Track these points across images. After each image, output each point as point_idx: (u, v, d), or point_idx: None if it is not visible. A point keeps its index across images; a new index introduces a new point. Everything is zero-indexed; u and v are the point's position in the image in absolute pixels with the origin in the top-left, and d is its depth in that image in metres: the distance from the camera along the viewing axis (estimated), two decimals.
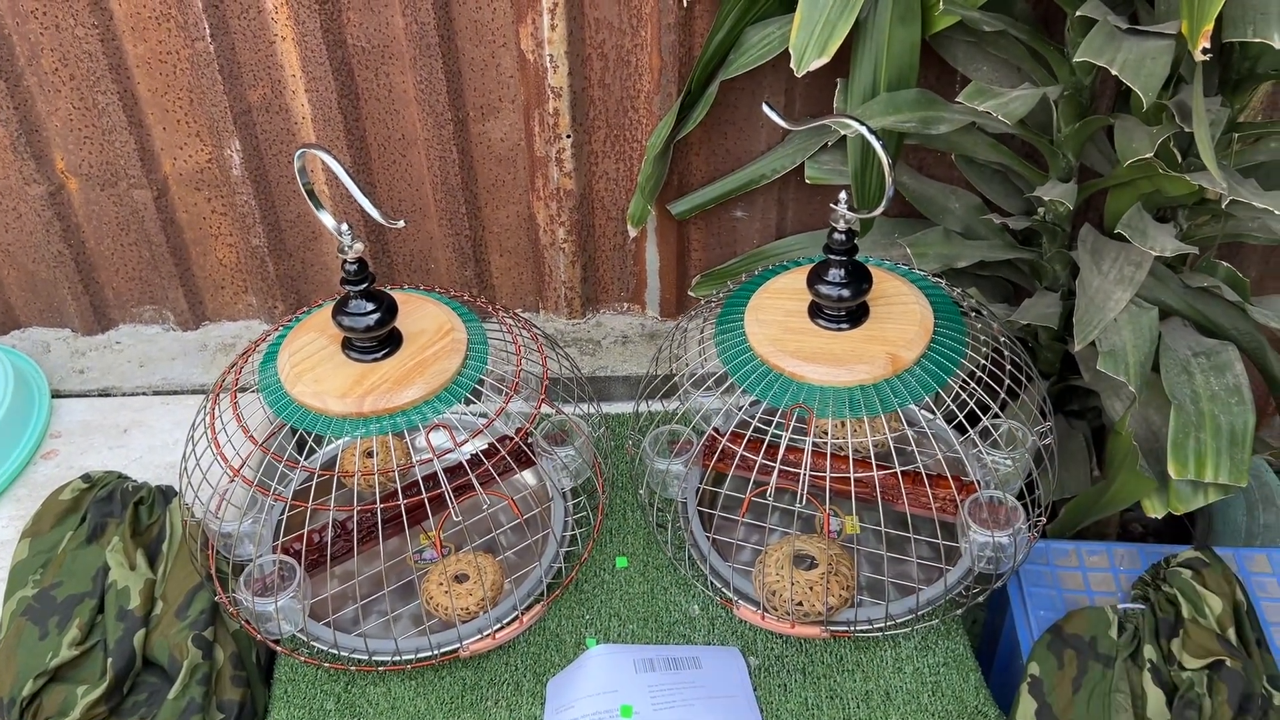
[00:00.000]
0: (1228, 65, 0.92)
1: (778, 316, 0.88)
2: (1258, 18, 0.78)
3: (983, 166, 1.11)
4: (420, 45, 1.10)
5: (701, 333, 0.95)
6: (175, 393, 1.28)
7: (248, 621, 0.90)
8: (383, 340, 0.87)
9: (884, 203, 0.81)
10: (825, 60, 0.92)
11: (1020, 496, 0.94)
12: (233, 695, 0.90)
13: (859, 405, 0.83)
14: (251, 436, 0.87)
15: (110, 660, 0.89)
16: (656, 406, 1.01)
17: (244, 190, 1.21)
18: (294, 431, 0.88)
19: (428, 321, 0.90)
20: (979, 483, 0.94)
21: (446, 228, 1.25)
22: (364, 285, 0.83)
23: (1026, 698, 0.88)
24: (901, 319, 0.87)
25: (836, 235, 0.83)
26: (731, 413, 1.03)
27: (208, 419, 0.90)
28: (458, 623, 0.91)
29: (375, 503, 0.94)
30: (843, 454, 0.98)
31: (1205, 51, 0.73)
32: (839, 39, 0.91)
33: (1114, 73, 0.79)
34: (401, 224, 0.83)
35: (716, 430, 0.99)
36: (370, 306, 0.84)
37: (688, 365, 0.98)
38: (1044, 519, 0.94)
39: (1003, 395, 0.88)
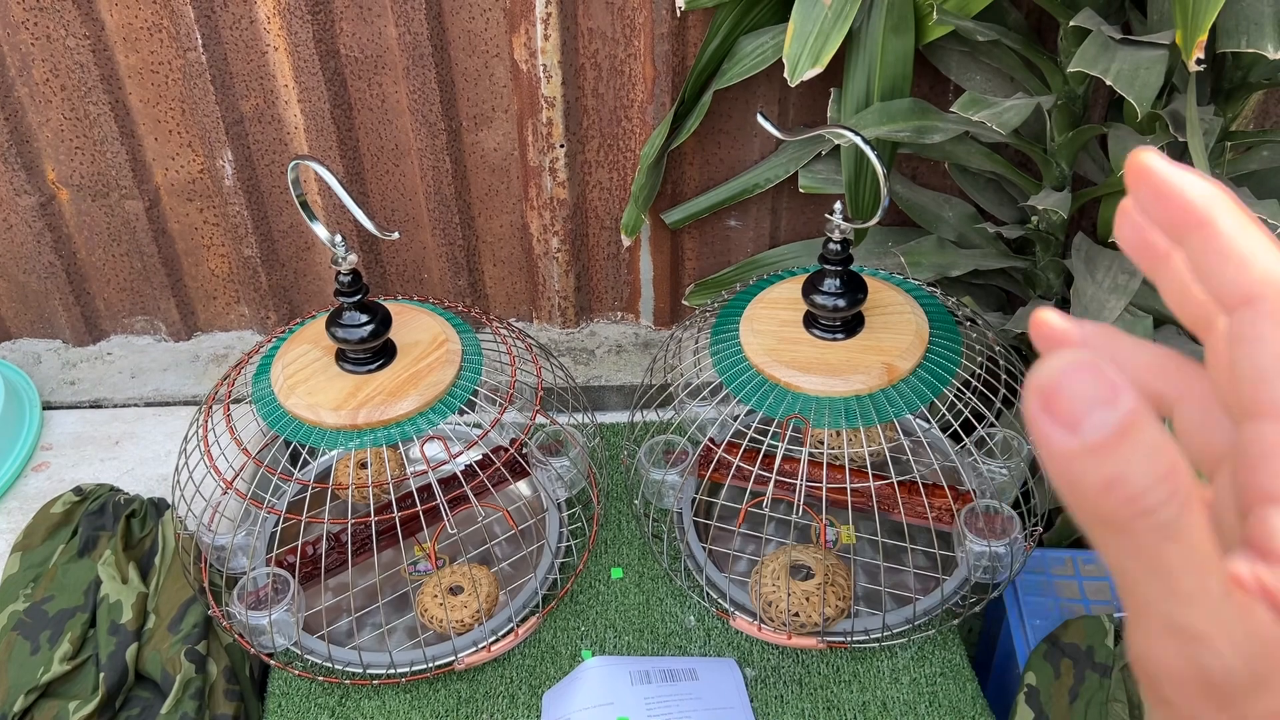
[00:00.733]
0: (1220, 75, 0.93)
1: (773, 326, 0.88)
2: (1251, 28, 0.78)
3: (976, 175, 1.11)
4: (413, 55, 1.10)
5: (696, 342, 0.95)
6: (167, 404, 1.27)
7: (241, 635, 0.89)
8: (377, 352, 0.86)
9: (879, 212, 0.81)
10: (819, 70, 0.92)
11: (1016, 506, 0.94)
12: (226, 709, 0.89)
13: (855, 415, 0.82)
14: (245, 448, 0.86)
15: (102, 675, 0.88)
16: (651, 416, 1.01)
17: (236, 201, 1.20)
18: (287, 443, 0.87)
19: (422, 333, 0.90)
20: (975, 492, 0.94)
21: (440, 238, 1.24)
22: (358, 297, 0.83)
23: (1023, 707, 0.88)
24: (897, 328, 0.87)
25: (831, 245, 0.83)
26: (727, 423, 1.03)
27: (200, 431, 0.89)
28: (452, 635, 0.91)
29: (369, 515, 0.94)
30: (839, 464, 0.98)
31: (1199, 62, 0.73)
32: (833, 48, 0.92)
33: (1108, 83, 0.79)
34: (396, 236, 0.82)
35: (712, 440, 0.99)
36: (364, 318, 0.84)
37: (682, 375, 0.98)
38: (1040, 528, 0.94)
39: (998, 404, 0.88)
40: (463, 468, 0.94)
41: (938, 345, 0.87)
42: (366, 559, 0.96)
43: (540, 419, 0.96)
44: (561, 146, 1.16)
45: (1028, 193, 1.03)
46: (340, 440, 0.83)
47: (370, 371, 0.86)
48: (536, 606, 0.95)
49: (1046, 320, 0.23)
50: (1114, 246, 0.95)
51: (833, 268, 0.84)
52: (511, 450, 0.98)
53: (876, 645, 0.92)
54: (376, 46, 1.11)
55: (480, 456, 0.98)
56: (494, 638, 0.91)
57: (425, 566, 0.99)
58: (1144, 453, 0.20)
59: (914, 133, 0.95)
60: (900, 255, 1.05)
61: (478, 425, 0.89)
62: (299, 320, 0.94)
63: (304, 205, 0.83)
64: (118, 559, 0.96)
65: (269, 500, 0.89)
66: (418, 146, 1.17)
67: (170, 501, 1.02)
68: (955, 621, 0.93)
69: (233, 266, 1.29)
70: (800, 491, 0.86)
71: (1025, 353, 1.14)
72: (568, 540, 1.01)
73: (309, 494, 0.94)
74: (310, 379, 0.86)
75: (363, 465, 1.00)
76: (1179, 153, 0.92)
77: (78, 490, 1.03)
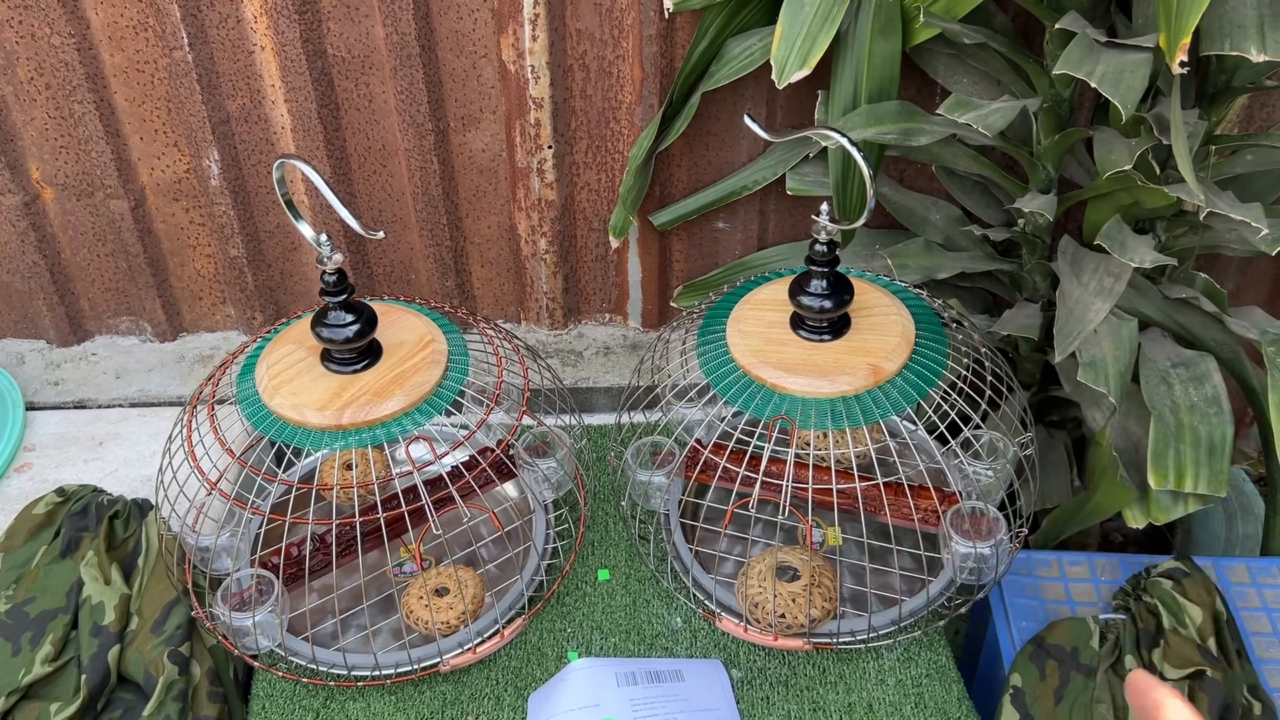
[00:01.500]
0: (1205, 78, 0.93)
1: (759, 328, 0.88)
2: (1234, 31, 0.78)
3: (963, 178, 1.12)
4: (401, 55, 1.09)
5: (684, 344, 0.95)
6: (152, 405, 1.27)
7: (225, 636, 0.89)
8: (362, 352, 0.86)
9: (865, 214, 0.81)
10: (807, 72, 0.92)
11: (1002, 507, 0.94)
12: (209, 711, 0.88)
13: (841, 416, 0.83)
14: (229, 449, 0.86)
15: (84, 677, 0.87)
16: (639, 418, 1.01)
17: (222, 200, 1.20)
18: (272, 444, 0.87)
19: (408, 333, 0.89)
20: (961, 494, 0.94)
21: (427, 238, 1.24)
22: (343, 296, 0.83)
23: (1009, 709, 0.88)
24: (883, 330, 0.87)
25: (818, 246, 0.83)
26: (714, 424, 1.03)
27: (185, 431, 0.89)
28: (438, 637, 0.90)
29: (354, 516, 0.93)
30: (825, 465, 0.98)
31: (1183, 64, 0.73)
32: (820, 51, 0.92)
33: (1093, 85, 0.79)
34: (381, 235, 0.82)
35: (699, 442, 0.99)
36: (350, 318, 0.83)
37: (670, 377, 0.98)
38: (1025, 530, 0.94)
39: (984, 406, 0.88)
40: (449, 469, 0.94)
41: (924, 347, 0.87)
42: (351, 560, 0.96)
43: (527, 420, 0.95)
44: (549, 148, 1.16)
45: (1014, 195, 1.04)
46: (325, 441, 0.83)
47: (356, 372, 0.86)
48: (523, 608, 0.94)
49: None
50: (1099, 249, 0.95)
51: (819, 269, 0.84)
52: (498, 451, 0.97)
53: (862, 646, 0.92)
54: (364, 46, 1.10)
55: (467, 458, 0.98)
56: (480, 639, 0.91)
57: (411, 568, 0.98)
58: None
59: (901, 135, 0.95)
60: (887, 257, 1.05)
61: (464, 426, 0.89)
62: (284, 320, 0.94)
63: (289, 205, 0.83)
64: (100, 560, 0.96)
65: (253, 501, 0.89)
66: (405, 147, 1.17)
67: (154, 502, 1.01)
68: (941, 623, 0.94)
69: (218, 267, 1.28)
70: (786, 493, 0.86)
71: (1011, 355, 1.15)
72: (554, 542, 1.00)
73: (294, 495, 0.94)
74: (295, 379, 0.85)
75: (348, 466, 1.00)
76: (1164, 155, 0.92)
77: (60, 491, 1.03)
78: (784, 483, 0.86)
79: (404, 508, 0.86)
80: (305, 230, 0.82)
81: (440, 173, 1.18)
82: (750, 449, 0.89)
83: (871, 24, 0.95)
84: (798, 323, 0.88)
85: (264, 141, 1.17)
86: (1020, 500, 0.95)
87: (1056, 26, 0.88)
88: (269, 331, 0.93)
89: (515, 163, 1.19)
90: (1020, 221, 1.04)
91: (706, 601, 0.95)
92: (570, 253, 1.27)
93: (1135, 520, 0.90)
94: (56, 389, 1.29)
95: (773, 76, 0.93)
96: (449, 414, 0.87)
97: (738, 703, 0.90)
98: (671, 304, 1.31)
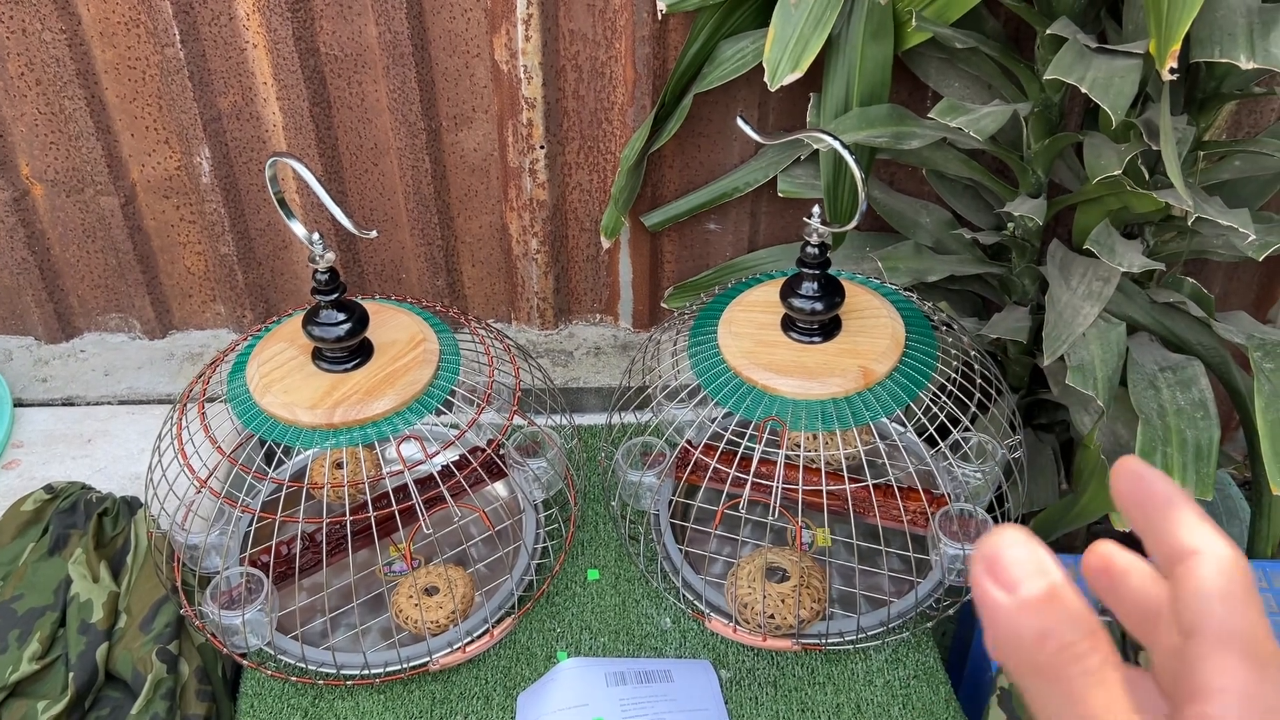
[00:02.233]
0: (1194, 85, 0.94)
1: (750, 329, 0.89)
2: (1224, 38, 0.79)
3: (953, 182, 1.12)
4: (393, 54, 1.09)
5: (675, 345, 0.95)
6: (141, 402, 1.26)
7: (214, 635, 0.89)
8: (354, 351, 0.86)
9: (857, 217, 0.81)
10: (799, 75, 0.92)
11: (990, 509, 0.95)
12: (198, 710, 0.88)
13: (831, 418, 0.83)
14: (219, 447, 0.86)
15: (72, 675, 0.87)
16: (629, 418, 1.01)
17: (213, 198, 1.19)
18: (262, 442, 0.87)
19: (399, 332, 0.89)
20: (950, 496, 0.95)
21: (418, 238, 1.24)
22: (335, 295, 0.83)
23: (996, 710, 0.88)
24: (873, 332, 0.87)
25: (809, 249, 0.83)
26: (704, 425, 1.03)
27: (175, 429, 0.88)
28: (427, 636, 0.90)
29: (345, 515, 0.93)
30: (815, 466, 0.99)
31: (1173, 71, 0.74)
32: (812, 54, 0.92)
33: (1084, 90, 0.80)
34: (373, 234, 0.82)
35: (689, 442, 0.99)
36: (341, 316, 0.83)
37: (660, 377, 0.98)
38: None
39: (973, 408, 0.88)
40: (439, 468, 0.94)
41: (914, 350, 0.87)
42: (341, 559, 0.96)
43: (518, 420, 0.95)
44: (541, 148, 1.16)
45: (1004, 199, 1.04)
46: (316, 439, 0.83)
47: (347, 370, 0.86)
48: (512, 608, 0.94)
49: (1107, 553, 0.30)
50: (1088, 254, 0.96)
51: (811, 271, 0.84)
52: (489, 451, 0.97)
53: (851, 647, 0.92)
54: (356, 45, 1.10)
55: (457, 457, 0.98)
56: (469, 639, 0.91)
57: (400, 567, 0.98)
58: (1070, 614, 0.26)
59: (892, 138, 0.96)
60: (877, 260, 1.05)
61: (455, 426, 0.89)
62: (275, 319, 0.94)
63: (281, 203, 0.83)
64: (89, 558, 0.95)
65: (243, 499, 0.89)
66: (397, 146, 1.17)
67: (143, 500, 1.01)
68: (929, 624, 0.94)
69: (209, 264, 1.28)
70: (776, 494, 0.87)
71: (1000, 358, 1.15)
72: (544, 541, 1.01)
73: (284, 493, 0.94)
74: (286, 377, 0.85)
75: (338, 465, 1.00)
76: (1153, 161, 0.93)
77: (49, 488, 1.02)
78: (774, 484, 0.86)
79: (394, 507, 0.86)
80: (298, 229, 0.82)
81: (432, 172, 1.18)
82: (741, 450, 0.89)
83: (864, 27, 0.95)
84: (789, 324, 0.88)
85: (255, 139, 1.17)
86: (1008, 502, 0.95)
87: (1048, 32, 0.89)
88: (260, 329, 0.93)
89: (507, 162, 1.19)
90: (1010, 225, 1.05)
91: (696, 602, 0.95)
92: (561, 253, 1.28)
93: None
94: (45, 386, 1.28)
95: (765, 79, 0.93)
96: (440, 413, 0.87)
97: (726, 703, 0.90)
98: (662, 305, 1.31)
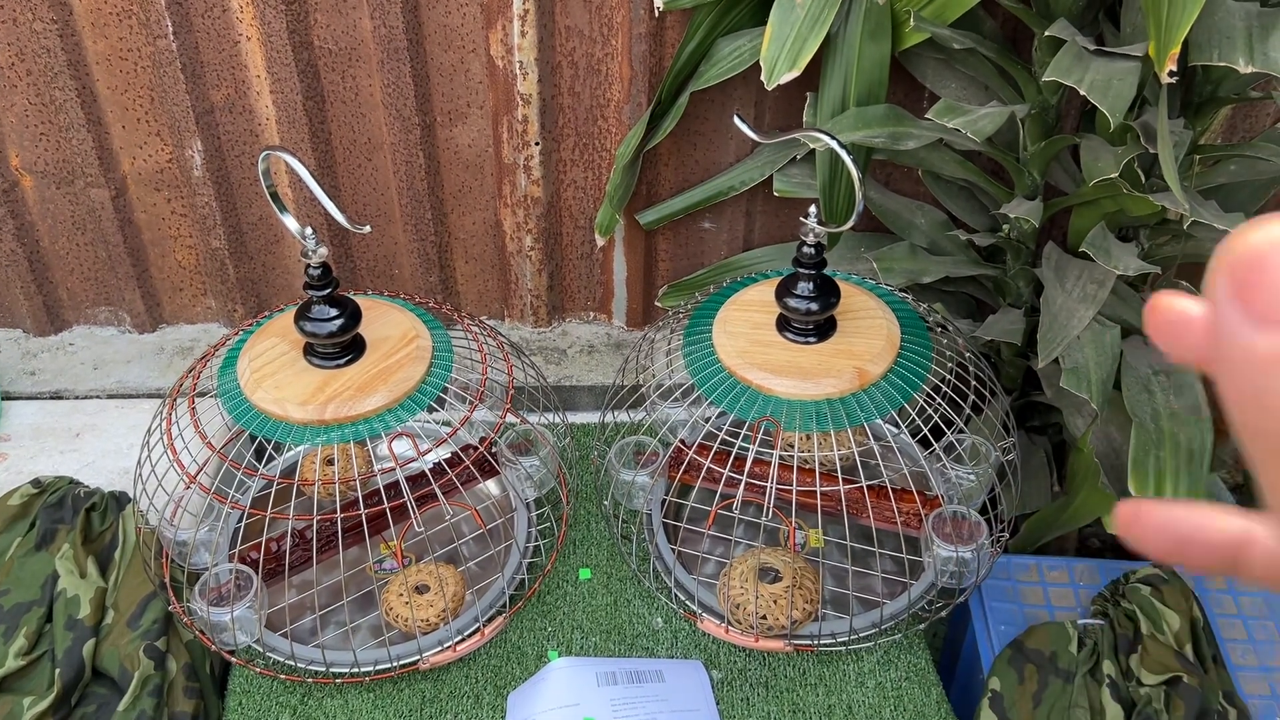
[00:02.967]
0: (1190, 88, 0.94)
1: (745, 329, 0.88)
2: (1223, 42, 0.79)
3: (949, 183, 1.12)
4: (388, 48, 1.09)
5: (669, 344, 0.95)
6: (130, 396, 1.25)
7: (202, 631, 0.88)
8: (346, 346, 0.85)
9: (853, 217, 0.81)
10: (796, 74, 0.92)
11: (983, 511, 0.95)
12: (185, 707, 0.88)
13: (825, 419, 0.83)
14: (209, 442, 0.85)
15: (58, 671, 0.86)
16: (623, 417, 1.00)
17: (205, 191, 1.19)
18: (253, 438, 0.86)
19: (392, 328, 0.89)
20: (943, 497, 0.94)
21: (412, 233, 1.23)
22: (327, 290, 0.82)
23: (987, 712, 0.88)
24: (868, 333, 0.87)
25: (805, 249, 0.83)
26: (698, 424, 1.03)
27: (164, 424, 0.88)
28: (418, 634, 0.90)
29: (335, 511, 0.93)
30: (808, 467, 0.98)
31: (1172, 74, 0.74)
32: (810, 53, 0.92)
33: (1082, 92, 0.80)
34: (367, 229, 0.81)
35: (683, 442, 0.98)
36: (334, 312, 0.83)
37: (654, 376, 0.97)
38: (1006, 534, 0.95)
39: (967, 410, 0.88)
40: (431, 465, 0.93)
41: (908, 351, 0.87)
42: (331, 556, 0.95)
43: (510, 418, 0.95)
44: (536, 144, 1.16)
45: (1000, 201, 1.04)
46: (307, 436, 0.82)
47: (339, 366, 0.85)
48: (503, 606, 0.94)
49: (1170, 305, 0.20)
50: (1084, 256, 0.95)
51: (806, 271, 0.84)
52: (481, 449, 0.97)
53: (843, 649, 0.92)
54: (351, 39, 1.10)
55: (449, 454, 0.97)
56: (460, 637, 0.90)
57: (391, 565, 0.98)
58: None
59: (889, 138, 0.95)
60: (873, 260, 1.05)
61: (447, 423, 0.88)
62: (267, 314, 0.93)
63: (274, 197, 0.82)
64: (76, 553, 0.95)
65: (233, 495, 0.88)
66: (391, 141, 1.16)
67: (132, 495, 1.00)
68: (921, 626, 0.94)
69: (200, 258, 1.27)
70: (770, 494, 0.86)
71: (994, 360, 1.15)
72: (536, 540, 1.00)
73: (274, 490, 0.93)
74: (277, 373, 0.85)
75: (329, 461, 0.99)
76: (1149, 164, 0.93)
77: (36, 483, 1.01)
78: (768, 484, 0.86)
79: (385, 504, 0.86)
80: (290, 224, 0.81)
81: (426, 167, 1.18)
82: (734, 450, 0.89)
83: (861, 27, 0.95)
84: (784, 324, 0.88)
85: (248, 133, 1.16)
86: (1001, 504, 0.95)
87: (1046, 33, 0.88)
88: (251, 324, 0.92)
89: (502, 159, 1.18)
90: (1005, 227, 1.04)
91: (688, 602, 0.94)
92: (555, 250, 1.27)
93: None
94: (33, 379, 1.27)
95: (762, 77, 0.93)
96: (432, 410, 0.86)
97: (718, 703, 0.90)
98: (656, 303, 1.30)
